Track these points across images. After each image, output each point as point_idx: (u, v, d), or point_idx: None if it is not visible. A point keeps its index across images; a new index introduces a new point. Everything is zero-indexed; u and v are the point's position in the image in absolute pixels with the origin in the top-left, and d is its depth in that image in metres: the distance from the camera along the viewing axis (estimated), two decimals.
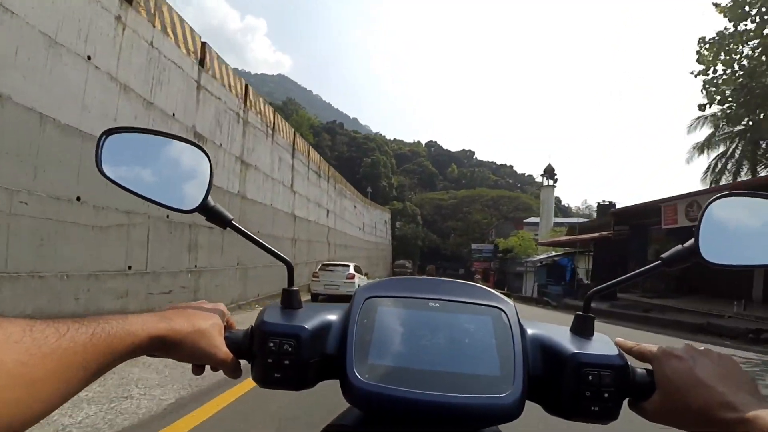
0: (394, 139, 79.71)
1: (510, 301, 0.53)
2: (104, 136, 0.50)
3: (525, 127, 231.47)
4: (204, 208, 0.51)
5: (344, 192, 21.33)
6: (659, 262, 0.48)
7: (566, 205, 77.19)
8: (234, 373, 0.48)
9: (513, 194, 59.66)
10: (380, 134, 70.58)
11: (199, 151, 0.53)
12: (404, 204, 58.56)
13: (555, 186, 43.08)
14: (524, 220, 46.51)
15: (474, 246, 45.37)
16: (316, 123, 64.59)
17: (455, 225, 62.92)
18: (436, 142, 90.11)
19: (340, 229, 19.81)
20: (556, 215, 45.03)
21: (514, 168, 79.27)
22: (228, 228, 0.53)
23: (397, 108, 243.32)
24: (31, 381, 0.28)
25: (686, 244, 0.46)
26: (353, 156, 58.20)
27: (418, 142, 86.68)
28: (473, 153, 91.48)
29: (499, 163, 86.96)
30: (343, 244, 20.27)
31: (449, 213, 63.85)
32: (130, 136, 0.53)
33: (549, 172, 44.16)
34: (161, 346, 0.40)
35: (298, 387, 0.47)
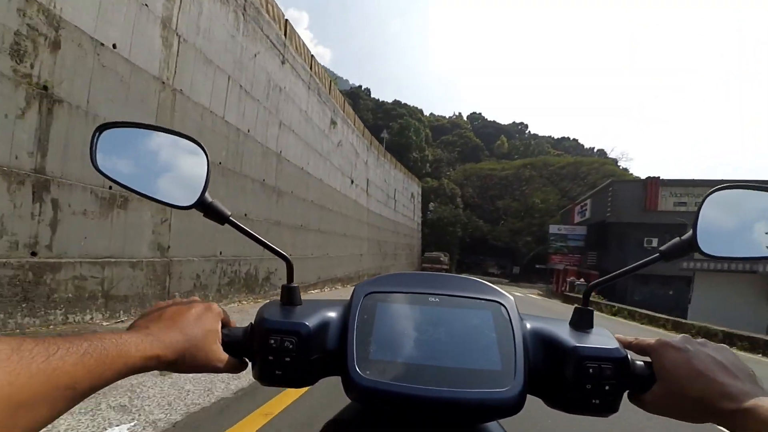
0: (431, 114, 67.54)
1: (510, 296, 0.53)
2: (98, 132, 0.50)
3: (586, 97, 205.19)
4: (202, 204, 0.52)
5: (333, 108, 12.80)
6: (657, 254, 0.50)
7: None
8: (233, 370, 0.50)
9: (596, 160, 43.25)
10: (415, 107, 56.60)
11: (196, 145, 0.53)
12: (441, 182, 46.86)
13: None
14: None
15: (553, 229, 30.81)
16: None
17: (509, 205, 46.48)
18: (480, 114, 74.76)
19: (314, 173, 11.14)
20: None
21: (579, 141, 62.52)
22: (226, 224, 0.53)
23: (437, 84, 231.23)
24: (17, 403, 0.28)
25: (684, 237, 0.48)
26: (378, 124, 47.34)
27: (459, 114, 71.99)
28: (526, 126, 75.70)
29: (557, 137, 69.94)
30: (317, 204, 11.50)
31: (501, 191, 47.53)
32: (125, 131, 0.53)
33: None
34: (156, 365, 0.40)
35: (299, 384, 0.49)
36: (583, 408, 0.47)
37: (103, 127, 0.51)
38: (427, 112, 61.97)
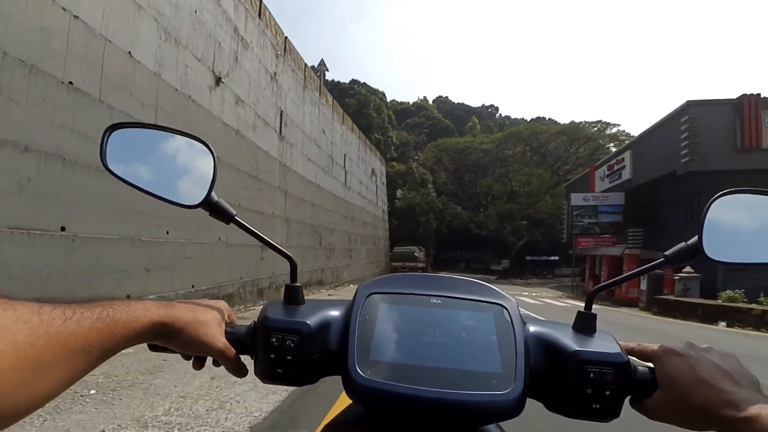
0: (393, 100, 63.16)
1: (512, 298, 0.56)
2: (108, 132, 0.54)
3: (556, 75, 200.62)
4: (208, 204, 0.55)
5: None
6: (662, 259, 0.52)
7: None
8: (237, 368, 0.52)
9: (596, 122, 36.14)
10: (376, 88, 49.00)
11: (203, 146, 0.57)
12: (408, 165, 41.59)
13: None
14: None
15: (576, 199, 22.10)
16: None
17: (490, 186, 38.36)
18: (447, 97, 68.94)
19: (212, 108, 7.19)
20: None
21: (556, 120, 56.36)
22: (231, 223, 0.57)
23: (398, 69, 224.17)
24: (39, 363, 0.30)
25: (689, 241, 0.50)
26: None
27: (425, 98, 70.19)
28: (497, 108, 70.72)
29: (531, 117, 64.22)
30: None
31: (480, 171, 39.50)
32: (134, 132, 0.57)
33: None
34: (163, 333, 0.45)
35: (300, 383, 0.51)
36: (583, 413, 0.49)
37: (113, 128, 0.55)
38: (389, 98, 54.50)
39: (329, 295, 12.43)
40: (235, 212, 0.56)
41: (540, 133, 38.99)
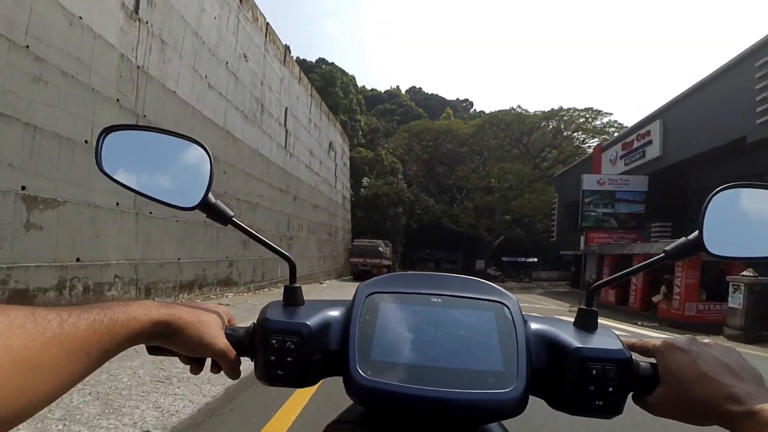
0: (363, 87, 59.07)
1: (513, 296, 0.55)
2: (104, 134, 0.54)
3: (531, 68, 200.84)
4: (205, 205, 0.54)
5: None
6: (663, 254, 0.51)
7: None
8: (234, 371, 0.51)
9: (587, 110, 32.09)
10: (345, 70, 44.01)
11: (200, 147, 0.56)
12: (377, 152, 36.85)
13: None
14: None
15: (589, 183, 16.27)
16: None
17: (469, 176, 34.38)
18: (420, 88, 65.00)
19: None
20: None
21: (529, 111, 52.75)
22: (228, 225, 0.57)
23: (370, 55, 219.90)
24: (35, 366, 0.30)
25: (690, 236, 0.49)
26: None
27: (397, 87, 66.56)
28: (471, 103, 68.03)
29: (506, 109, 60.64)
30: None
31: (455, 160, 35.45)
32: (130, 134, 0.56)
33: None
34: (163, 333, 0.44)
35: (300, 384, 0.51)
36: (586, 409, 0.48)
37: (108, 130, 0.54)
38: (360, 85, 49.79)
39: (228, 305, 7.59)
40: (232, 213, 0.56)
41: (524, 119, 34.57)
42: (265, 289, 11.42)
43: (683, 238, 0.50)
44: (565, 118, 32.66)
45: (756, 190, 0.49)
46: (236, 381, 0.59)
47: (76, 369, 0.33)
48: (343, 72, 42.48)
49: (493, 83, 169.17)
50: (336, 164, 22.38)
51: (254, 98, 10.98)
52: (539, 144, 35.54)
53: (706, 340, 0.48)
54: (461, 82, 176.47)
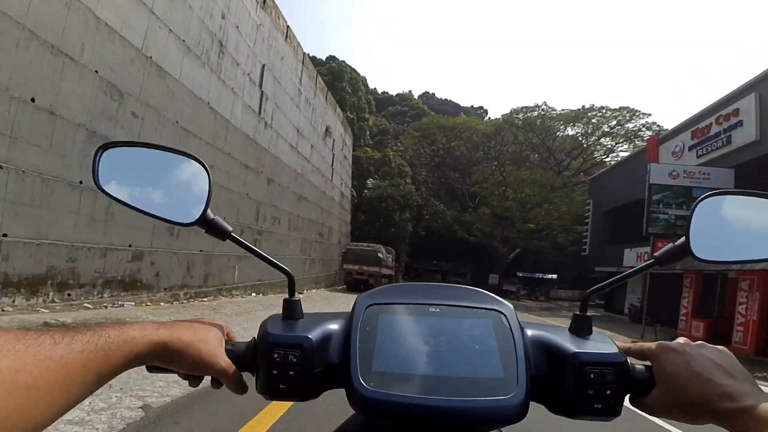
0: (375, 89, 56.18)
1: (509, 304, 0.58)
2: (101, 151, 0.55)
3: (552, 76, 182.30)
4: (204, 221, 0.55)
5: None
6: (652, 260, 0.54)
7: None
8: (238, 386, 0.52)
9: (622, 109, 28.31)
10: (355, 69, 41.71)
11: (197, 163, 0.58)
12: (385, 152, 33.41)
13: None
14: None
15: (657, 175, 12.25)
16: None
17: (486, 178, 30.97)
18: (433, 94, 62.44)
19: None
20: None
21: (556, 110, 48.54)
22: (228, 240, 0.58)
23: (383, 58, 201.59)
24: (26, 388, 0.30)
25: (677, 242, 0.52)
26: None
27: (410, 91, 61.95)
28: (486, 111, 64.97)
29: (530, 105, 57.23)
30: None
31: (473, 163, 32.07)
32: (127, 150, 0.57)
33: None
34: (162, 354, 0.44)
35: (303, 397, 0.52)
36: (585, 413, 0.50)
37: (105, 147, 0.55)
38: (371, 87, 47.34)
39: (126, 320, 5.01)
40: (231, 229, 0.57)
41: (550, 117, 31.42)
42: (207, 299, 8.21)
43: (671, 244, 0.52)
44: (593, 120, 30.06)
45: (739, 197, 0.53)
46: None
47: (71, 391, 0.33)
48: (353, 69, 39.93)
49: (507, 89, 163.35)
50: (334, 155, 19.52)
51: (208, 31, 8.28)
52: (563, 150, 32.20)
53: (698, 342, 0.50)
54: (475, 89, 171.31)
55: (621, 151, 29.22)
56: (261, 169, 11.57)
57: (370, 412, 0.48)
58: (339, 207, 22.10)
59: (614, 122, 29.10)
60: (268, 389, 0.50)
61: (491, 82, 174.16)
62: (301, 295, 13.32)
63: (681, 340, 0.51)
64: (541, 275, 34.62)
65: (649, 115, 33.99)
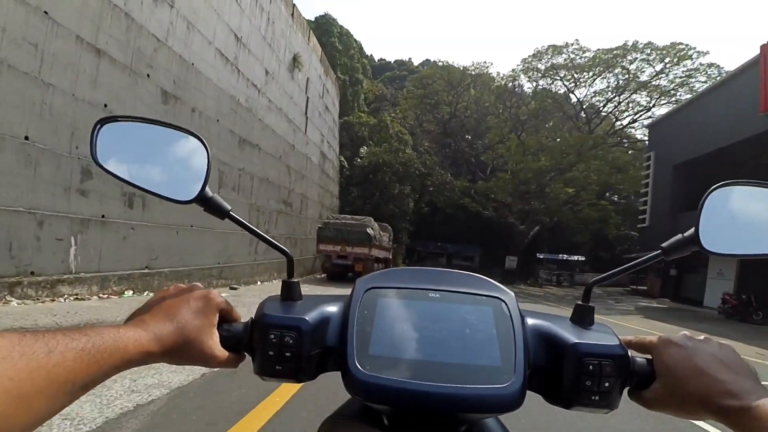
0: (371, 55, 54.35)
1: (510, 291, 0.59)
2: (99, 125, 0.56)
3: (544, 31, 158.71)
4: (202, 199, 0.56)
5: None
6: (659, 251, 0.55)
7: None
8: (232, 368, 0.55)
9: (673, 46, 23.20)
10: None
11: (196, 140, 0.58)
12: (381, 118, 29.11)
13: None
14: None
15: None
16: None
17: (503, 142, 25.99)
18: (435, 61, 55.80)
19: None
20: None
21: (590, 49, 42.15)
22: (226, 219, 0.59)
23: (378, 25, 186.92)
24: (17, 396, 0.30)
25: (686, 234, 0.53)
26: None
27: (409, 59, 61.55)
28: (493, 79, 56.85)
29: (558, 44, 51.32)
30: None
31: (483, 129, 27.15)
32: (126, 125, 0.58)
33: None
34: (152, 359, 0.46)
35: (299, 379, 0.53)
36: (582, 404, 0.51)
37: (103, 121, 0.56)
38: (368, 53, 43.36)
39: None
40: (230, 207, 0.58)
41: (579, 68, 26.27)
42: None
43: (680, 235, 0.53)
44: (632, 66, 24.27)
45: (751, 187, 0.52)
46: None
47: (58, 399, 0.34)
48: (342, 27, 34.75)
49: (516, 46, 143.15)
50: (309, 98, 14.79)
51: None
52: (591, 109, 27.21)
53: (701, 337, 0.51)
54: (480, 49, 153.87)
55: (662, 106, 24.17)
56: (144, 70, 6.90)
57: (365, 396, 0.49)
58: (319, 170, 17.86)
59: (659, 66, 24.02)
60: (264, 370, 0.52)
61: (498, 39, 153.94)
62: (236, 289, 7.85)
63: (684, 334, 0.51)
64: (565, 257, 30.31)
65: (707, 53, 28.11)
